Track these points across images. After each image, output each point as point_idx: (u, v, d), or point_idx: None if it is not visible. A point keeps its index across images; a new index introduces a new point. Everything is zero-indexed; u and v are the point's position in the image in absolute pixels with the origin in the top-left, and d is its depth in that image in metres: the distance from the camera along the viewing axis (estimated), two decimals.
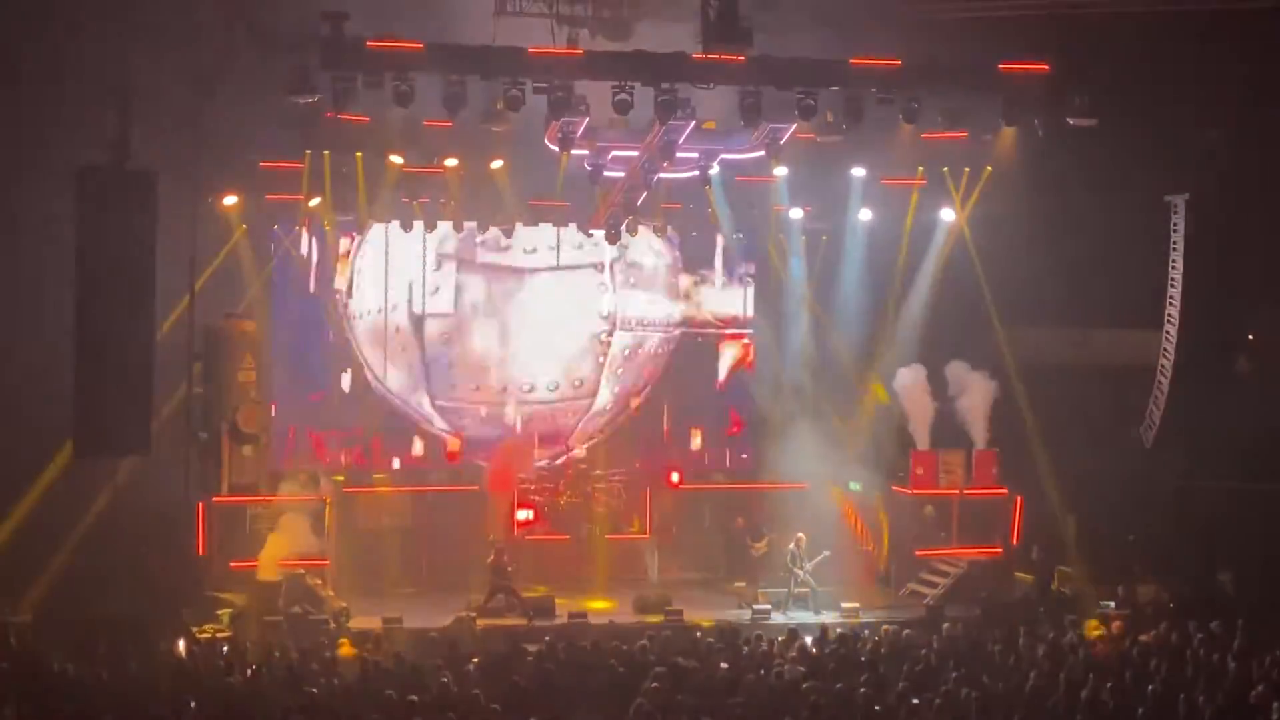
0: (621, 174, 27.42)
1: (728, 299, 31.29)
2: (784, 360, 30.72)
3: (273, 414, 28.31)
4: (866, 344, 29.98)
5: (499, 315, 30.06)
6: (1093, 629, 23.39)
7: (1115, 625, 23.52)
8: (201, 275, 26.43)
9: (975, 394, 28.40)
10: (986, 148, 26.74)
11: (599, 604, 26.81)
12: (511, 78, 23.21)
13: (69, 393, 23.43)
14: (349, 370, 29.45)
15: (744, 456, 31.16)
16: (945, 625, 22.93)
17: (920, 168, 28.44)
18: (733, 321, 31.23)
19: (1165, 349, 27.97)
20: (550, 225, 29.79)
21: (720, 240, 30.75)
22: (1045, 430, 28.20)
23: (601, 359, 30.54)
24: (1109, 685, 18.75)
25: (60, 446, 24.51)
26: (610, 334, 30.56)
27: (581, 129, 24.86)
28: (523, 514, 28.79)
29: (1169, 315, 27.85)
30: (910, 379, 28.69)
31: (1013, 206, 27.94)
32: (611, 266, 30.31)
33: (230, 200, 27.23)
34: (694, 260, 31.10)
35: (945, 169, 28.59)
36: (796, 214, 30.14)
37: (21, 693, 18.98)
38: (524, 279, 30.08)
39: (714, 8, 23.00)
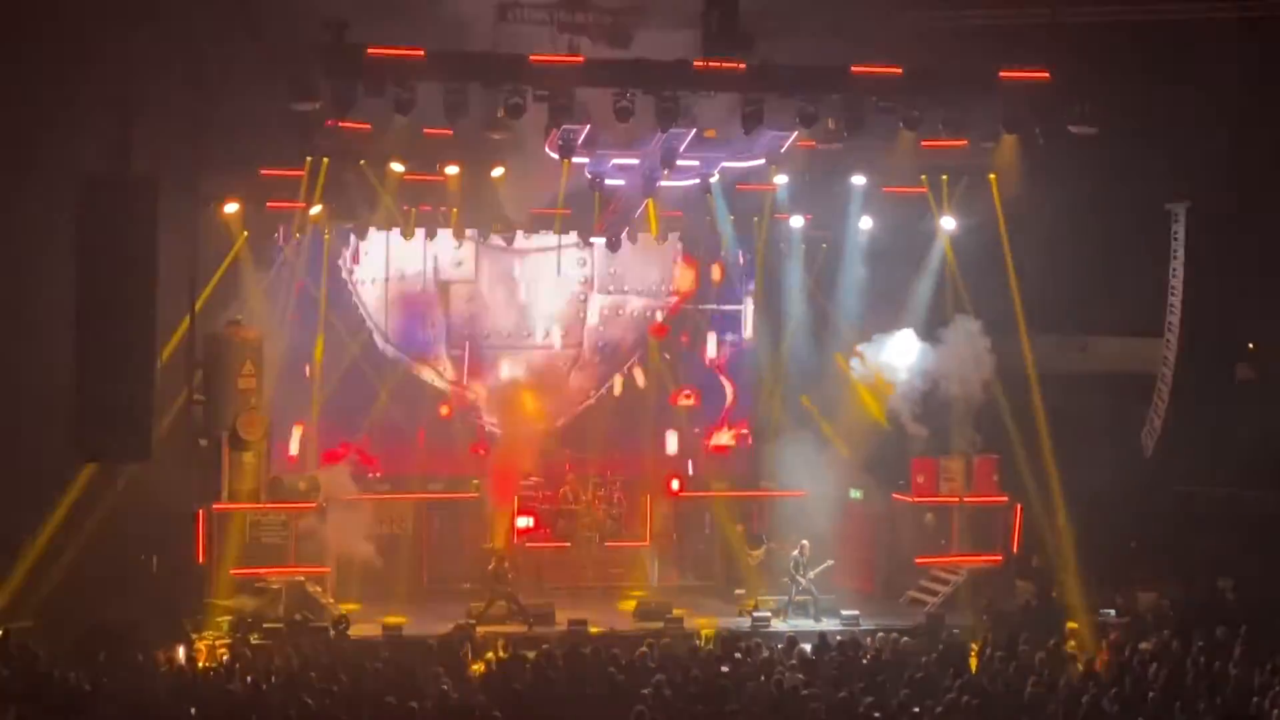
0: (622, 182, 27.43)
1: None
2: (783, 367, 30.71)
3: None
4: (866, 349, 29.90)
5: (506, 281, 30.13)
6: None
7: (1115, 633, 23.53)
8: (202, 282, 26.46)
9: (956, 343, 28.45)
10: (987, 155, 26.74)
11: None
12: (512, 85, 23.23)
13: (70, 400, 23.46)
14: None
15: (744, 432, 31.06)
16: (951, 633, 22.96)
17: (923, 175, 28.45)
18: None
19: (1166, 357, 27.98)
20: (551, 233, 29.79)
21: (720, 247, 30.70)
22: (1046, 438, 28.18)
23: (581, 314, 30.53)
24: (1110, 692, 18.75)
25: (62, 455, 24.47)
26: (587, 295, 30.56)
27: (582, 137, 24.88)
28: (523, 521, 28.81)
29: (1169, 323, 27.87)
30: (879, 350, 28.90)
31: (1013, 214, 27.94)
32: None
33: (231, 208, 27.23)
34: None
35: (945, 176, 28.60)
36: (797, 222, 30.14)
37: (22, 700, 19.00)
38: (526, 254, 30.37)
39: (715, 16, 23.03)
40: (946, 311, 29.03)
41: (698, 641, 22.87)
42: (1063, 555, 27.34)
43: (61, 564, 24.97)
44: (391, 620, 25.10)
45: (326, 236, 28.55)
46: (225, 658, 22.57)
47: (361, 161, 26.61)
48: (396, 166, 26.61)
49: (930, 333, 28.87)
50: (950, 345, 28.52)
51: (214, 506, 26.51)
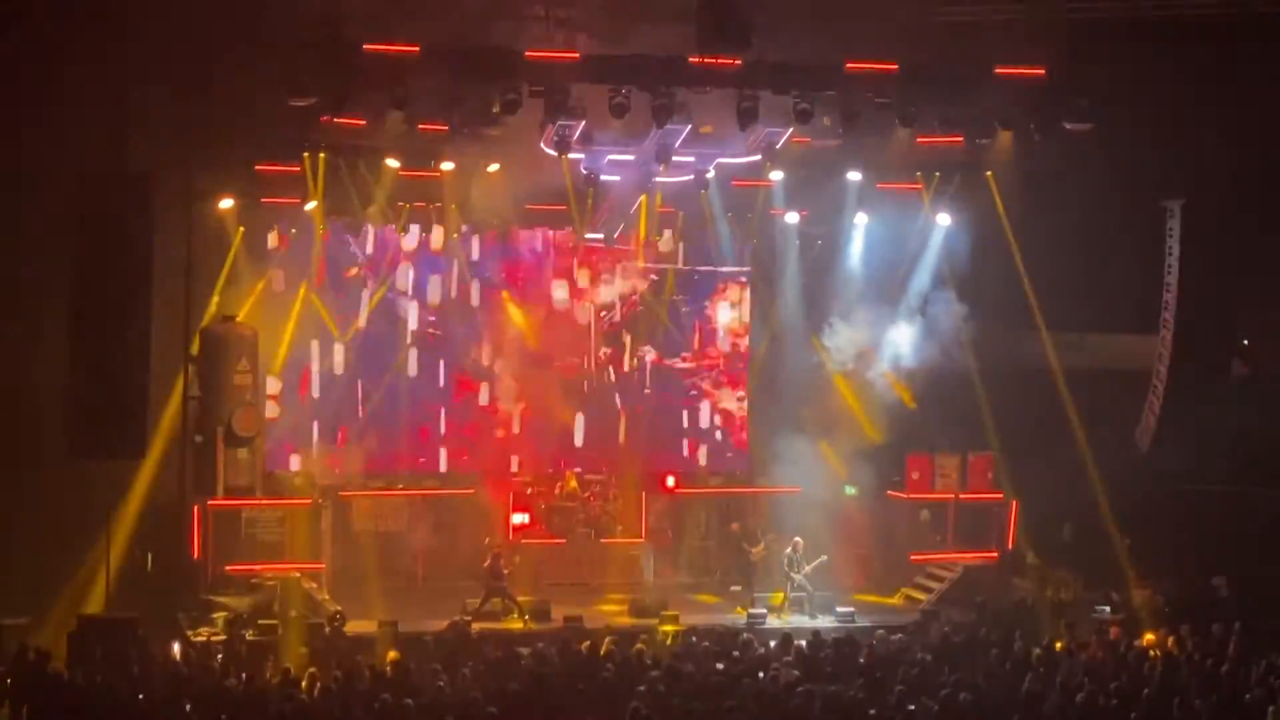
0: (617, 177, 27.43)
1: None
2: (779, 364, 30.72)
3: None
4: (861, 347, 29.93)
5: None
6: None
7: (1112, 630, 23.54)
8: (196, 278, 26.48)
9: (934, 315, 28.61)
10: (983, 152, 26.75)
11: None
12: (508, 81, 23.22)
13: (65, 396, 23.44)
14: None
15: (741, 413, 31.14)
16: (946, 629, 22.97)
17: (918, 172, 28.43)
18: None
19: (1161, 353, 27.98)
20: (546, 229, 29.80)
21: (716, 244, 30.70)
22: (1041, 434, 28.20)
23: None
24: (1105, 689, 18.75)
25: (57, 451, 24.46)
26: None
27: (578, 132, 24.86)
28: (519, 518, 28.82)
29: (1164, 319, 27.87)
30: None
31: (1008, 211, 27.96)
32: None
33: (226, 203, 27.21)
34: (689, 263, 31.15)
35: (937, 174, 28.59)
36: (793, 218, 30.15)
37: (17, 696, 18.99)
38: None
39: (710, 12, 23.02)
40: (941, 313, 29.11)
41: (693, 638, 22.78)
42: (1059, 553, 27.45)
43: (56, 560, 24.90)
44: (387, 616, 25.09)
45: (323, 231, 28.56)
46: (220, 654, 22.54)
47: (358, 159, 26.58)
48: (392, 162, 26.59)
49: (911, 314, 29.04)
50: (928, 317, 28.61)
51: (209, 503, 26.51)
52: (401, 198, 27.98)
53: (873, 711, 18.02)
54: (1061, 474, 27.89)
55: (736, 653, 21.23)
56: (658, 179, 27.39)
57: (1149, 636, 22.66)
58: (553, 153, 25.27)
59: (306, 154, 26.38)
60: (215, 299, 27.06)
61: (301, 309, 28.78)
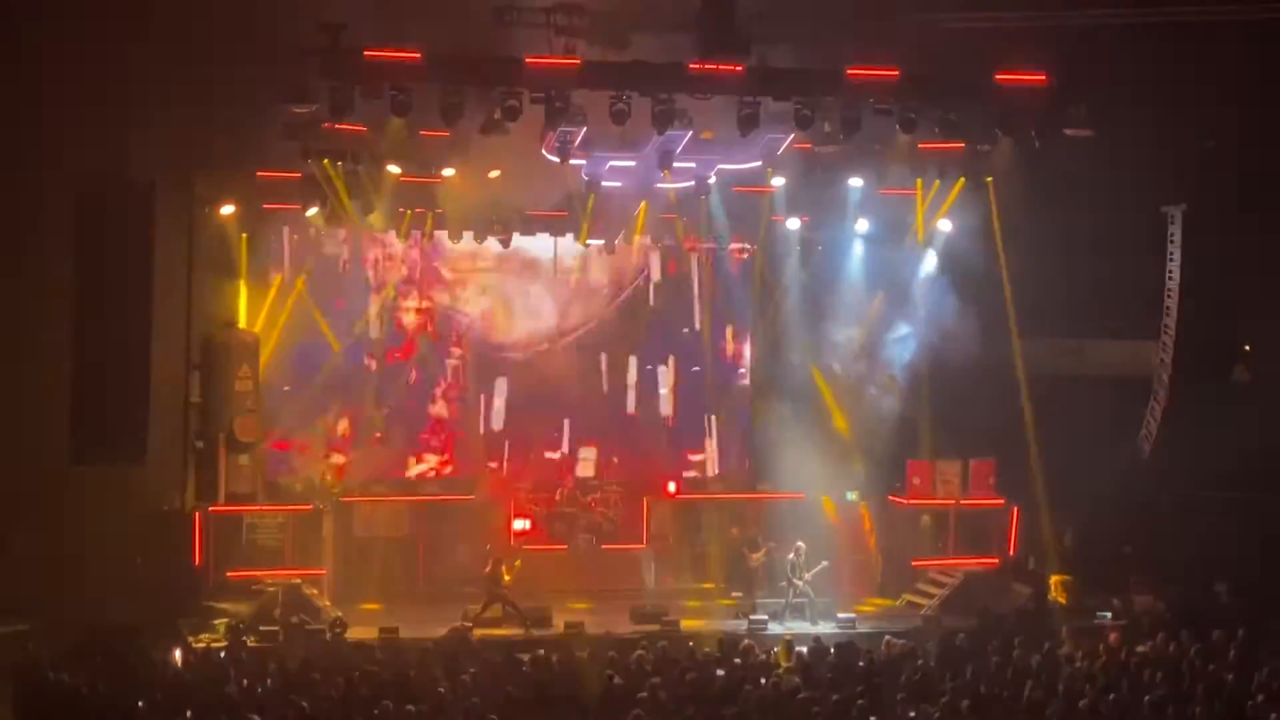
0: (619, 184, 27.43)
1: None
2: (780, 370, 30.72)
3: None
4: (863, 353, 29.96)
5: None
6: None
7: (1113, 637, 23.53)
8: (198, 284, 26.51)
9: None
10: (984, 158, 26.75)
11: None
12: (509, 87, 23.24)
13: (67, 402, 23.45)
14: None
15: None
16: (947, 636, 22.95)
17: (919, 179, 28.45)
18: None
19: (1162, 359, 27.99)
20: (548, 235, 29.81)
21: (717, 250, 30.70)
22: (1042, 441, 28.18)
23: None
24: (1107, 696, 18.74)
25: (57, 456, 24.45)
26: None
27: (579, 139, 24.87)
28: (520, 524, 28.82)
29: (1166, 326, 27.88)
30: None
31: (1009, 217, 27.95)
32: None
33: (228, 210, 27.22)
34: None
35: (936, 181, 28.59)
36: (794, 224, 30.16)
37: (17, 702, 18.98)
38: None
39: (711, 18, 23.03)
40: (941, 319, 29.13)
41: (693, 644, 22.73)
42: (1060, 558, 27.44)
43: (58, 566, 24.91)
44: (387, 623, 25.08)
45: (323, 236, 28.55)
46: (221, 660, 22.54)
47: (358, 165, 26.59)
48: (393, 168, 26.59)
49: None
50: (929, 322, 28.64)
51: (210, 508, 26.52)
52: (403, 204, 27.97)
53: (874, 718, 18.02)
54: (1063, 480, 27.89)
55: (738, 659, 21.25)
56: (659, 185, 27.39)
57: (1150, 643, 22.62)
58: (554, 159, 25.29)
59: (311, 160, 26.40)
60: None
61: (294, 314, 28.80)
